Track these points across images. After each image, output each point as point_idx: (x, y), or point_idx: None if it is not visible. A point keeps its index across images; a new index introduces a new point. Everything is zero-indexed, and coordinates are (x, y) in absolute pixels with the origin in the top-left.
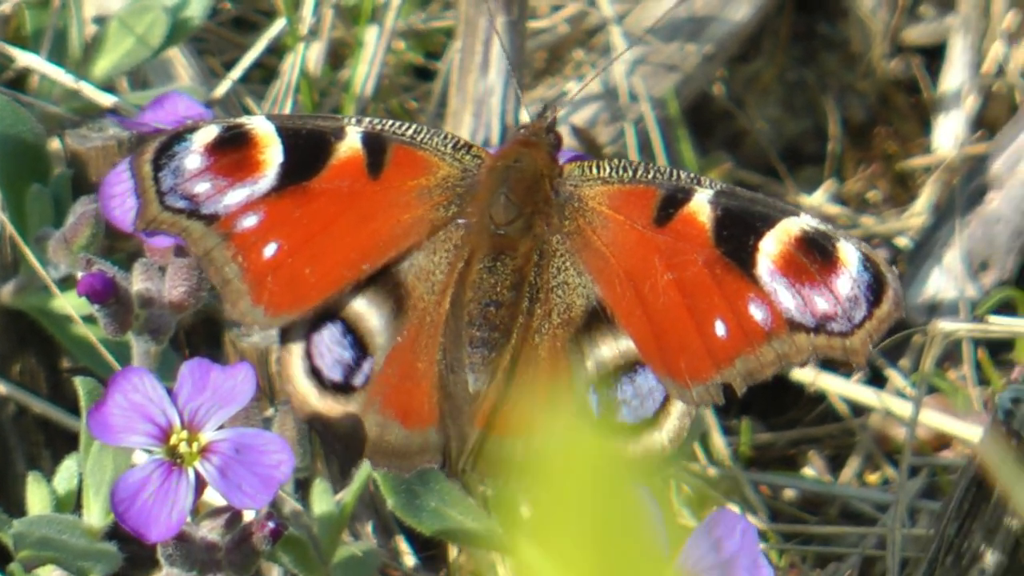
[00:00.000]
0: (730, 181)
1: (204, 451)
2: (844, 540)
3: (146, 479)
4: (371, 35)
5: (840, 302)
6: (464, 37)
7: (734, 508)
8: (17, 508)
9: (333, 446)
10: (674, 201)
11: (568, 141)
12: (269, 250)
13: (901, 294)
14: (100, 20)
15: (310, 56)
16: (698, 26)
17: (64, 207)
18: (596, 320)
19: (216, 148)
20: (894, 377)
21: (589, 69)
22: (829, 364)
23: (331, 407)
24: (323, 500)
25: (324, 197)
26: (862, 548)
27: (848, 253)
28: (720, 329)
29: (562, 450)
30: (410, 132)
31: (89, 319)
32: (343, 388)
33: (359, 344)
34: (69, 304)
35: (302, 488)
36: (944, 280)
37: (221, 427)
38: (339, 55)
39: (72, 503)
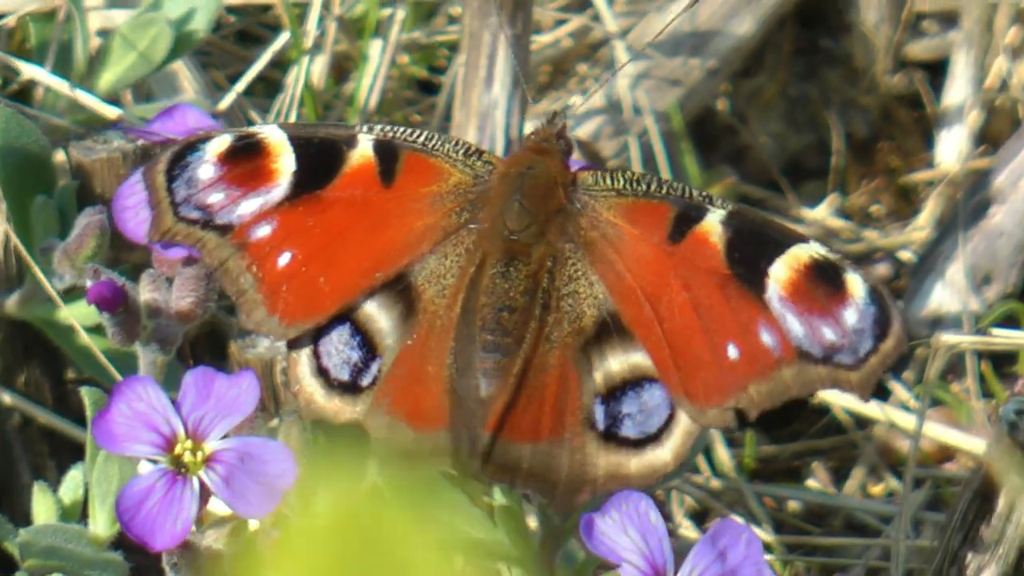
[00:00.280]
0: (733, 196)
1: (208, 460)
2: (848, 552)
3: (151, 488)
4: (375, 48)
5: (847, 333)
6: (468, 51)
7: (738, 520)
8: (23, 518)
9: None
10: (688, 219)
11: (572, 154)
12: (283, 259)
13: (906, 329)
14: (104, 33)
15: (314, 69)
16: (701, 40)
17: (69, 218)
18: (606, 331)
19: (229, 158)
20: (898, 389)
21: (593, 83)
22: None
23: (338, 407)
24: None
25: (337, 205)
26: (866, 560)
27: (855, 284)
28: (733, 352)
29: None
30: (422, 139)
31: (94, 330)
32: (350, 388)
33: (368, 345)
34: (74, 315)
35: None
36: (947, 293)
37: (225, 436)
38: (343, 68)
39: (78, 513)
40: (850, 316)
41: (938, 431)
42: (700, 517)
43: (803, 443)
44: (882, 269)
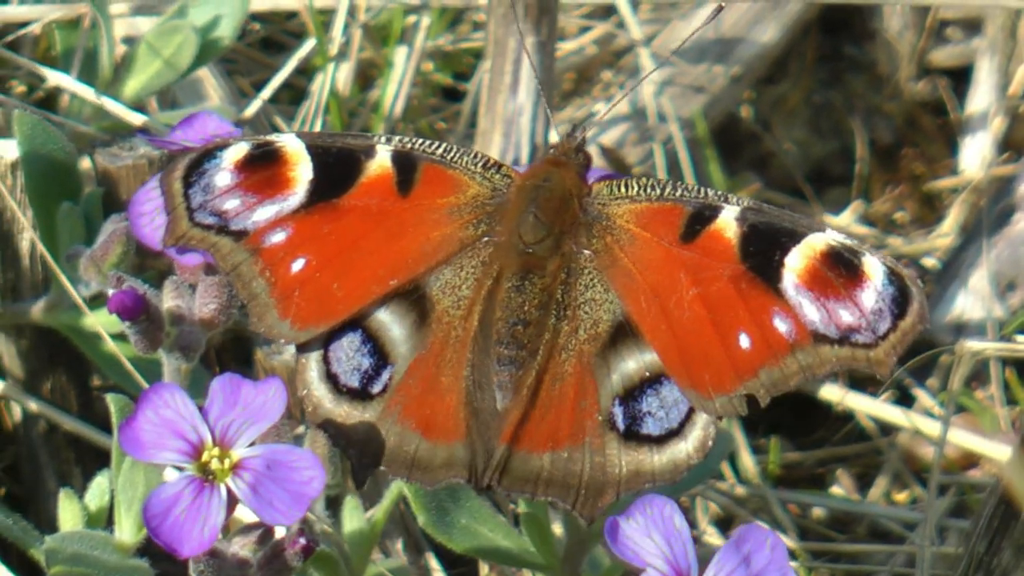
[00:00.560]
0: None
1: (236, 468)
2: (873, 558)
3: (178, 495)
4: (400, 56)
5: (864, 314)
6: (494, 57)
7: (763, 526)
8: (49, 524)
9: (347, 452)
10: (701, 218)
11: (597, 161)
12: (297, 265)
13: (926, 306)
14: (130, 40)
15: (339, 77)
16: (725, 48)
17: (95, 225)
18: (622, 334)
19: (246, 165)
20: (922, 396)
21: (617, 90)
22: (857, 383)
23: (346, 413)
24: (354, 517)
25: (353, 214)
26: (891, 566)
27: (873, 267)
28: (744, 341)
29: None
30: (440, 151)
31: (119, 337)
32: (360, 395)
33: (379, 352)
34: (99, 322)
35: (333, 505)
36: (971, 300)
37: (252, 443)
38: (368, 76)
39: (103, 519)
40: (868, 297)
41: (962, 438)
42: (725, 524)
43: (827, 450)
44: None
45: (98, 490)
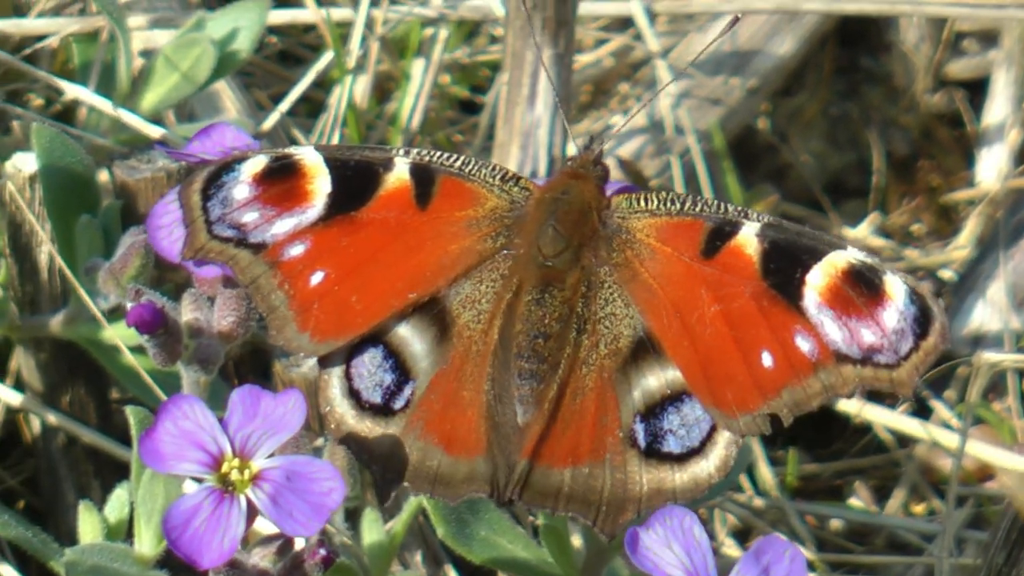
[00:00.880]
0: (775, 214)
1: (256, 479)
2: (891, 570)
3: (198, 506)
4: (417, 68)
5: (886, 334)
6: (511, 70)
7: (782, 537)
8: (68, 537)
9: (370, 468)
10: (721, 234)
11: (614, 174)
12: (316, 278)
13: (947, 326)
14: (147, 53)
15: (356, 89)
16: (742, 60)
17: (113, 238)
18: (643, 350)
19: (265, 178)
20: (939, 408)
21: (634, 102)
22: (875, 396)
23: (369, 429)
24: (373, 529)
25: (372, 227)
26: None
27: (894, 286)
28: (767, 360)
29: None
30: (458, 164)
31: (138, 349)
32: (382, 411)
33: (400, 368)
34: (118, 334)
35: (352, 517)
36: (988, 312)
37: (272, 455)
38: (385, 88)
39: (123, 532)
40: (890, 317)
41: (980, 449)
42: (743, 535)
43: (845, 462)
44: None
45: (118, 502)
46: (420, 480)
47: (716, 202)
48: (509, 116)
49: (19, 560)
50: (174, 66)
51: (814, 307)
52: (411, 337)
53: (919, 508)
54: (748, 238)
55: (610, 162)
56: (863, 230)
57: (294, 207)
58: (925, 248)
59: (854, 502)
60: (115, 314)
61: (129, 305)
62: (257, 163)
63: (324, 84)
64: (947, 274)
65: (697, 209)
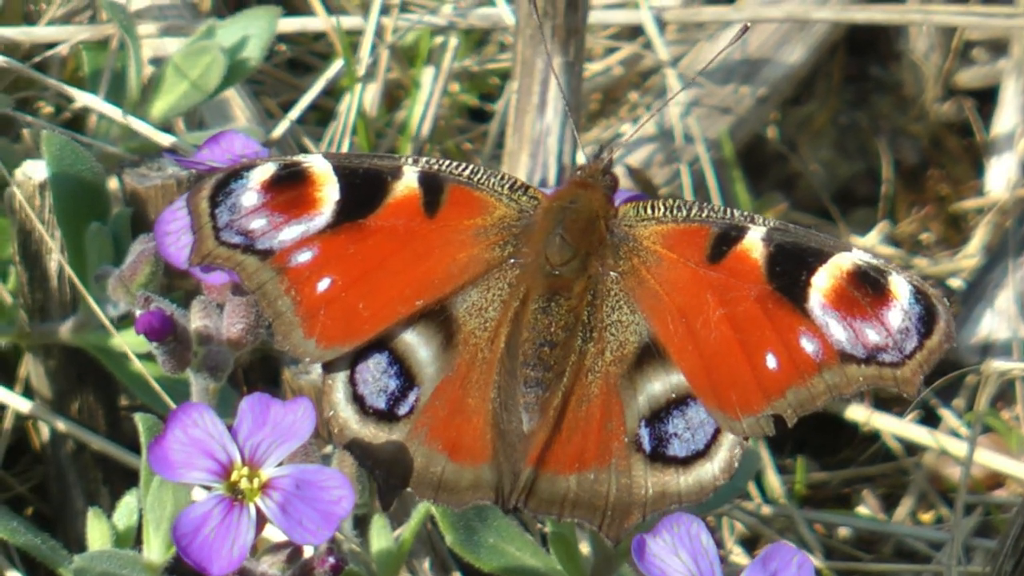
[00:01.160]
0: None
1: (265, 487)
2: None
3: (208, 514)
4: (427, 77)
5: (891, 333)
6: (521, 78)
7: (790, 545)
8: (77, 544)
9: (374, 474)
10: (727, 239)
11: (624, 182)
12: (323, 285)
13: (952, 325)
14: (157, 61)
15: (366, 97)
16: (752, 69)
17: (123, 245)
18: (648, 356)
19: (273, 185)
20: (948, 417)
21: (644, 111)
22: (883, 404)
23: (372, 434)
24: (382, 536)
25: (380, 234)
26: None
27: (899, 286)
28: (771, 362)
29: None
30: (467, 172)
31: (147, 357)
32: (386, 416)
33: (405, 374)
34: (127, 342)
35: (361, 524)
36: (997, 321)
37: (281, 463)
38: (395, 97)
39: (132, 539)
40: (894, 317)
41: (988, 458)
42: (751, 543)
43: (853, 470)
44: None
45: (126, 509)
46: (424, 486)
47: (722, 208)
48: (519, 124)
49: (28, 567)
50: (184, 74)
51: (819, 308)
52: (417, 344)
53: (927, 516)
54: (753, 242)
55: (620, 170)
56: (872, 239)
57: (302, 214)
58: (934, 257)
59: (862, 510)
60: (124, 321)
61: (138, 312)
62: (266, 170)
63: (334, 92)
64: (956, 283)
65: (703, 215)
